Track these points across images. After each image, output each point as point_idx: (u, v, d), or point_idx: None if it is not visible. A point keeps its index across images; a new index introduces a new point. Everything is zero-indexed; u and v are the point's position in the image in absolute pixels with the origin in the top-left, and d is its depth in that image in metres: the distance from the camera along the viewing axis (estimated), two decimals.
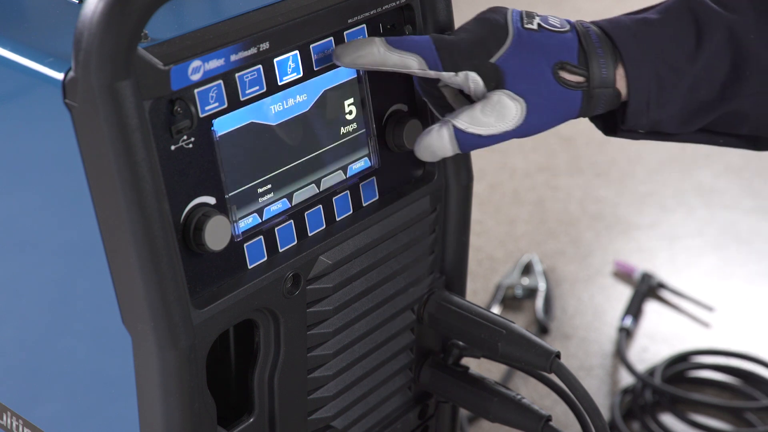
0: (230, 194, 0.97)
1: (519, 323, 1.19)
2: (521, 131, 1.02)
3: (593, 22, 1.06)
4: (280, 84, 1.00)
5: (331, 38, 1.03)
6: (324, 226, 1.05)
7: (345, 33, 1.04)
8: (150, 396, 0.95)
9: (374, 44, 1.01)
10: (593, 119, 1.10)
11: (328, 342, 1.07)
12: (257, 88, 0.98)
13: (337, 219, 1.07)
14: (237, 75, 0.96)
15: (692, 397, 1.85)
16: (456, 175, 1.15)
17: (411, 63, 1.01)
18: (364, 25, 1.05)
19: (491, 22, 1.03)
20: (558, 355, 1.09)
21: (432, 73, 1.02)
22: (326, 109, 1.04)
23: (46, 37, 0.96)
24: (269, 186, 1.01)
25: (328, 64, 1.03)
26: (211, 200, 0.96)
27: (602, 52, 1.03)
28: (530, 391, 1.85)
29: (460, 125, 1.02)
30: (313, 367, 1.07)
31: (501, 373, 1.89)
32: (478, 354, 1.17)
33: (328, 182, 1.06)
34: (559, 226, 2.32)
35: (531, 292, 2.10)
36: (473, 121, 1.02)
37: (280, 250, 1.02)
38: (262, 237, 1.00)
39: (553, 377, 1.13)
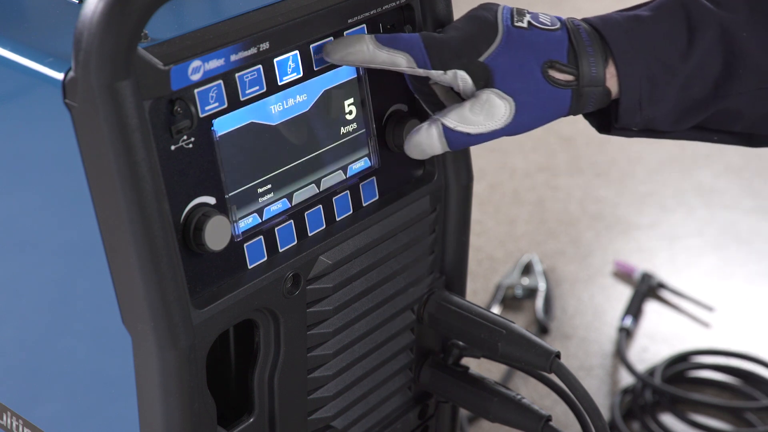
0: (230, 194, 0.97)
1: (519, 323, 1.19)
2: (510, 130, 1.03)
3: (585, 19, 1.06)
4: (280, 84, 1.00)
5: (331, 38, 1.03)
6: (324, 226, 1.05)
7: (345, 33, 1.04)
8: (150, 396, 0.95)
9: (363, 42, 1.01)
10: (587, 117, 1.10)
11: (328, 342, 1.07)
12: (257, 88, 0.98)
13: (337, 219, 1.07)
14: (237, 75, 0.96)
15: (692, 397, 1.85)
16: (456, 175, 1.15)
17: (400, 61, 1.01)
18: (364, 25, 1.05)
19: (481, 20, 1.03)
20: (558, 355, 1.09)
21: (421, 72, 1.02)
22: (326, 109, 1.04)
23: (46, 37, 0.96)
24: (269, 186, 1.01)
25: (328, 64, 1.03)
26: (211, 200, 0.96)
27: (592, 50, 1.03)
28: (530, 391, 1.85)
29: (449, 124, 1.02)
30: (313, 367, 1.07)
31: (501, 373, 1.89)
32: (478, 354, 1.17)
33: (328, 182, 1.06)
34: (559, 226, 2.32)
35: (531, 292, 2.10)
36: (462, 119, 1.02)
37: (280, 250, 1.02)
38: (262, 237, 1.00)
39: (553, 377, 1.13)
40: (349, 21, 1.04)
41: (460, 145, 1.03)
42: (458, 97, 1.06)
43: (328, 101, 1.04)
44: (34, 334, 1.05)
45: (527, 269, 2.16)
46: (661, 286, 2.12)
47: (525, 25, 1.03)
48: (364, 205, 1.09)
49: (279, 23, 0.98)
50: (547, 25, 1.03)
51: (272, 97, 0.99)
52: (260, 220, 1.00)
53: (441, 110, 1.04)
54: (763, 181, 2.48)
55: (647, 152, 2.57)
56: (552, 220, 2.34)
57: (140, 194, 0.88)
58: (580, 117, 1.09)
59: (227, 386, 1.07)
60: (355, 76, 1.06)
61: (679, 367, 1.93)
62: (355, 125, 1.07)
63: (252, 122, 0.98)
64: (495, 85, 1.01)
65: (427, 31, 1.06)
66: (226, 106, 0.96)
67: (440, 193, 1.14)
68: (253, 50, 0.96)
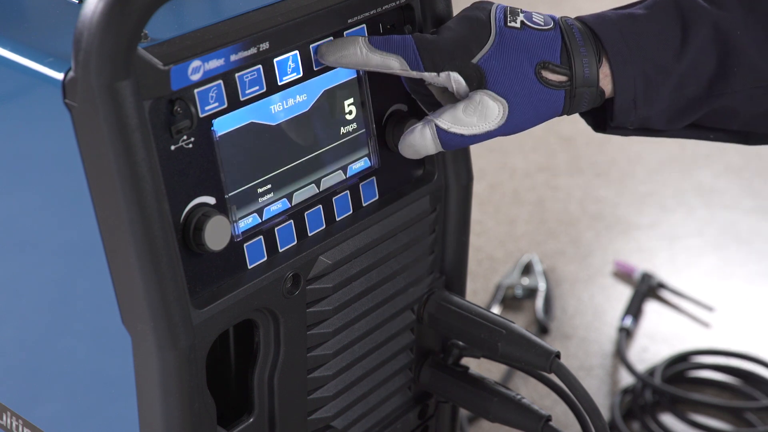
0: (230, 194, 0.97)
1: (519, 323, 1.19)
2: (504, 130, 1.03)
3: (578, 18, 1.05)
4: (280, 84, 1.00)
5: (331, 38, 1.03)
6: (324, 226, 1.05)
7: (345, 33, 1.04)
8: (150, 396, 0.95)
9: (357, 44, 1.01)
10: (583, 115, 1.10)
11: (328, 342, 1.07)
12: (257, 88, 0.98)
13: (337, 219, 1.07)
14: (237, 75, 0.96)
15: (692, 397, 1.85)
16: (456, 175, 1.15)
17: (393, 64, 1.01)
18: (364, 25, 1.05)
19: (474, 21, 1.03)
20: (558, 355, 1.09)
21: (414, 74, 1.02)
22: (326, 109, 1.04)
23: (46, 37, 0.96)
24: (269, 186, 1.01)
25: None
26: (211, 200, 0.96)
27: (585, 50, 1.03)
28: (530, 391, 1.85)
29: (443, 125, 1.02)
30: (313, 367, 1.07)
31: (501, 373, 1.88)
32: (478, 354, 1.17)
33: (328, 182, 1.06)
34: (559, 226, 2.32)
35: (531, 292, 2.10)
36: (455, 120, 1.02)
37: (280, 250, 1.02)
38: (262, 237, 1.00)
39: (553, 377, 1.13)
40: (349, 21, 1.04)
41: (453, 145, 1.03)
42: (454, 97, 1.06)
43: (328, 101, 1.04)
44: (34, 334, 1.05)
45: (527, 269, 2.15)
46: (661, 286, 2.12)
47: (518, 25, 1.02)
48: (363, 205, 1.09)
49: (279, 23, 0.98)
50: (540, 25, 1.03)
51: (272, 97, 0.99)
52: (260, 220, 1.00)
53: (434, 111, 1.04)
54: (763, 181, 2.48)
55: (647, 152, 2.57)
56: (552, 220, 2.34)
57: (140, 194, 0.88)
58: (580, 117, 1.09)
59: (227, 386, 1.07)
60: (355, 76, 1.06)
61: (679, 367, 1.93)
62: (354, 125, 1.07)
63: (252, 122, 0.98)
64: (488, 86, 1.01)
65: (420, 33, 1.06)
66: (226, 106, 0.96)
67: (440, 193, 1.14)
68: (253, 50, 0.96)
